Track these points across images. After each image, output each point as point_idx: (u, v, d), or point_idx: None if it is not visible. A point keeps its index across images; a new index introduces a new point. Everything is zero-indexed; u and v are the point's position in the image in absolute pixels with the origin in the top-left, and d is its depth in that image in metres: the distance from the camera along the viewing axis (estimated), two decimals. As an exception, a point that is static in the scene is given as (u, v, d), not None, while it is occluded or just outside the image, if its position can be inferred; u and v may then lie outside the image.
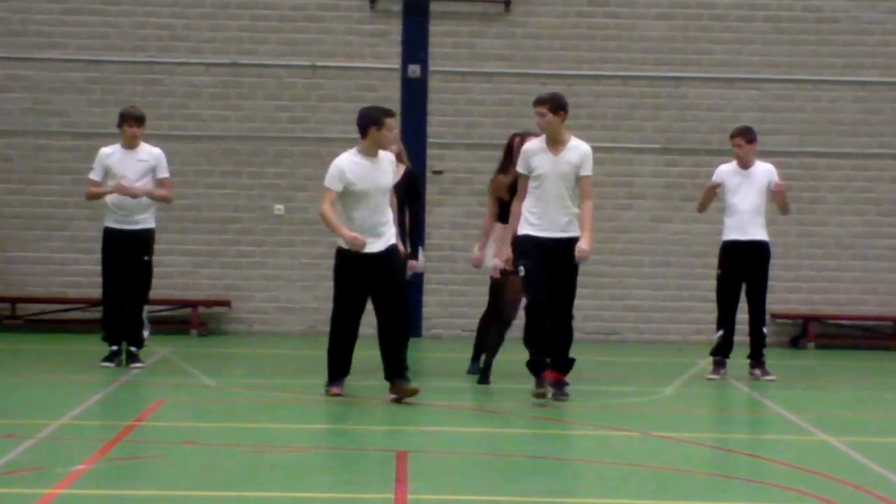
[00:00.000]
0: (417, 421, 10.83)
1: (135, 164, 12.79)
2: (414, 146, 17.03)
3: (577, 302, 17.07)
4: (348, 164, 11.16)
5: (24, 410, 10.69)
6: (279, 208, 16.87)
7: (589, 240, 11.28)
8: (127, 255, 12.74)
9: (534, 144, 11.41)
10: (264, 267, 16.99)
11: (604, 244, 16.69)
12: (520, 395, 11.76)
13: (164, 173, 12.88)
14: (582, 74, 17.01)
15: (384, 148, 11.31)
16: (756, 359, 13.21)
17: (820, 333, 16.88)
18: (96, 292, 16.84)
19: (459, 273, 16.68)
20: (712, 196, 13.34)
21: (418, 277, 16.49)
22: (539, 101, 11.40)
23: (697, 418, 11.22)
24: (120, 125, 12.92)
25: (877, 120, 17.11)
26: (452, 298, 16.87)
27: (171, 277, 16.75)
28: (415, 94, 16.94)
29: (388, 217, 11.28)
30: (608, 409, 11.20)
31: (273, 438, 9.72)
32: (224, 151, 17.02)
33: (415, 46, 16.97)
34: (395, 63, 16.99)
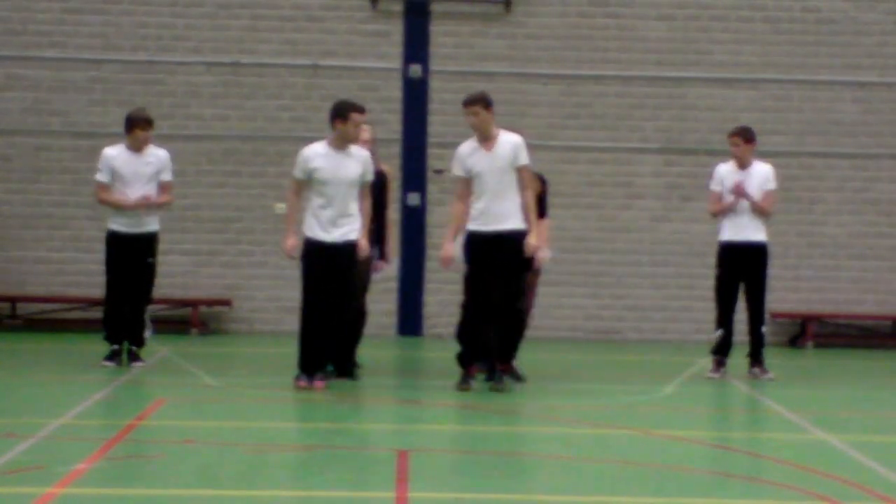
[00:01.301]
0: (418, 420, 10.84)
1: (142, 167, 12.65)
2: (414, 145, 17.07)
3: (577, 301, 17.19)
4: (313, 153, 11.54)
5: (24, 409, 10.69)
6: (280, 207, 16.87)
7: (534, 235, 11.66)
8: (132, 257, 12.65)
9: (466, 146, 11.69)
10: (265, 266, 17.00)
11: (604, 244, 16.74)
12: (520, 394, 11.77)
13: (167, 176, 12.75)
14: (582, 75, 17.03)
15: (348, 141, 11.51)
16: (755, 358, 13.17)
17: (818, 333, 16.90)
18: (96, 291, 16.88)
19: (460, 272, 16.68)
20: (733, 207, 13.08)
21: (415, 277, 16.54)
22: (470, 102, 11.63)
23: (697, 417, 11.23)
24: (130, 129, 12.66)
25: (875, 120, 17.13)
26: (453, 297, 16.87)
27: (171, 277, 16.76)
28: (415, 94, 16.96)
29: (352, 211, 11.46)
30: (608, 407, 11.22)
31: (274, 437, 9.74)
32: (225, 151, 17.03)
33: (416, 46, 16.99)
34: (396, 63, 17.01)
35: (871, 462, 9.01)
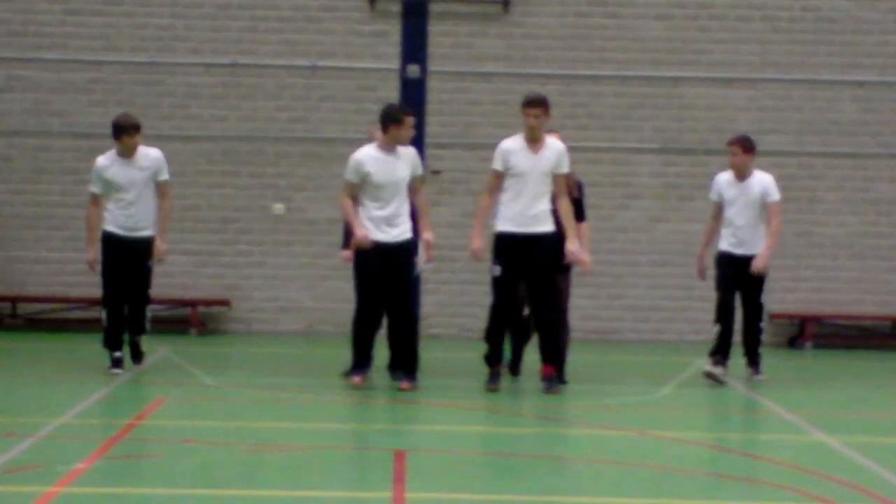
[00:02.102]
0: (416, 420, 10.85)
1: (136, 173, 12.34)
2: (413, 146, 17.04)
3: (576, 302, 17.14)
4: (366, 157, 11.73)
5: (24, 409, 10.70)
6: (279, 208, 16.90)
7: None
8: (130, 261, 12.38)
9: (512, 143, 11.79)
10: (263, 266, 17.01)
11: (602, 244, 16.74)
12: (518, 395, 11.78)
13: (164, 175, 12.45)
14: (580, 75, 17.04)
15: (401, 144, 11.81)
16: (751, 358, 13.01)
17: (817, 333, 16.90)
18: (96, 291, 16.83)
19: (458, 273, 16.71)
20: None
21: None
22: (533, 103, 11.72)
23: (695, 418, 11.24)
24: (117, 136, 12.35)
25: (875, 120, 17.13)
26: (451, 298, 16.90)
27: (170, 277, 16.76)
28: (413, 95, 16.93)
29: (404, 210, 11.70)
30: (606, 408, 11.22)
31: (272, 437, 9.74)
32: (224, 151, 17.04)
33: (413, 47, 16.97)
34: (394, 63, 17.00)
35: (870, 463, 9.02)
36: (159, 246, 12.43)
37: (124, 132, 12.31)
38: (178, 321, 16.69)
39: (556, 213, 11.72)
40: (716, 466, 9.00)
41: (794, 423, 10.80)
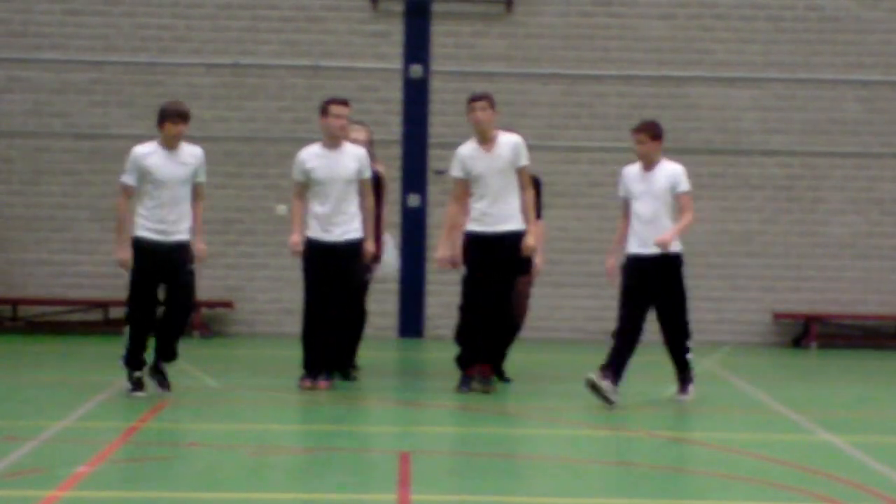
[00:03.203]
0: (420, 422, 10.82)
1: (178, 168, 11.11)
2: (415, 146, 17.04)
3: (579, 302, 17.15)
4: (308, 154, 11.68)
5: (26, 412, 10.67)
6: (281, 209, 16.86)
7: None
8: (167, 269, 11.09)
9: None
10: (266, 268, 16.98)
11: (605, 244, 16.66)
12: (522, 396, 11.74)
13: (203, 177, 11.28)
14: (583, 74, 17.00)
15: (332, 135, 11.60)
16: (682, 382, 11.66)
17: (822, 333, 16.86)
18: (97, 293, 16.89)
19: (461, 274, 16.66)
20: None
21: (416, 278, 16.51)
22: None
23: (699, 418, 11.20)
24: (161, 122, 11.12)
25: (879, 119, 17.10)
26: (455, 299, 16.83)
27: (172, 278, 16.74)
28: (416, 95, 16.94)
29: (350, 209, 11.54)
30: (610, 409, 11.18)
31: (276, 439, 9.72)
32: (226, 152, 17.01)
33: (416, 47, 16.97)
34: (397, 63, 16.99)
35: (876, 463, 8.99)
36: (198, 246, 11.26)
37: (168, 118, 11.11)
38: (180, 323, 16.64)
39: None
40: (720, 467, 8.96)
41: (799, 422, 10.77)
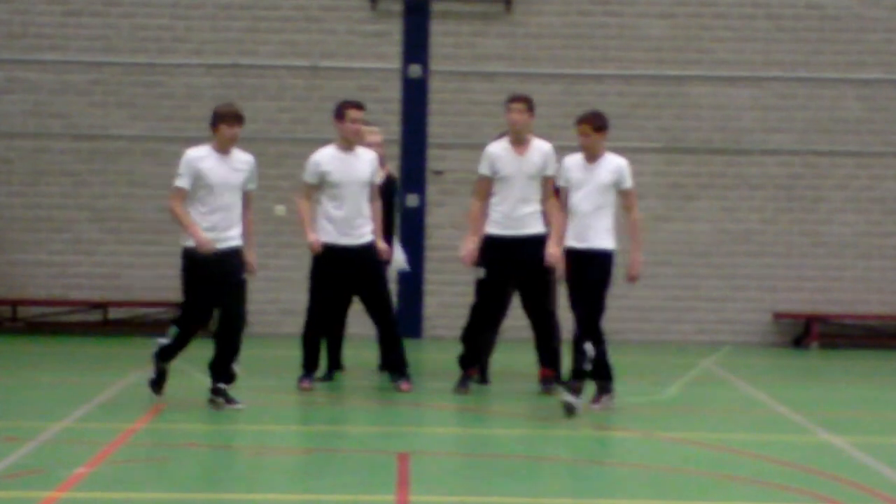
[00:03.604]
0: (419, 422, 10.80)
1: (231, 173, 10.68)
2: (414, 146, 17.02)
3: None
4: (323, 156, 11.66)
5: (25, 413, 10.66)
6: (280, 209, 16.84)
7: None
8: (220, 274, 10.64)
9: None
10: (265, 268, 16.93)
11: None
12: (521, 397, 11.72)
13: (253, 184, 10.85)
14: (583, 74, 16.98)
15: (348, 139, 11.63)
16: (576, 379, 10.86)
17: (823, 333, 16.84)
18: (97, 294, 16.87)
19: (460, 274, 16.64)
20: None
21: (415, 278, 16.48)
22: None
23: (700, 419, 11.18)
24: (216, 125, 10.72)
25: (880, 118, 17.07)
26: (453, 299, 16.83)
27: (172, 279, 16.69)
28: (415, 95, 16.92)
29: (365, 212, 11.60)
30: (610, 409, 11.16)
31: (274, 440, 9.70)
32: (225, 153, 16.97)
33: (415, 46, 16.95)
34: (396, 63, 16.97)
35: (878, 464, 8.97)
36: (250, 258, 10.84)
37: (222, 120, 10.69)
38: (179, 323, 16.63)
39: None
40: (722, 467, 8.94)
41: (800, 423, 10.75)
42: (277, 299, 16.88)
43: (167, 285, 16.61)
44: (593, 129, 10.96)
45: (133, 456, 8.87)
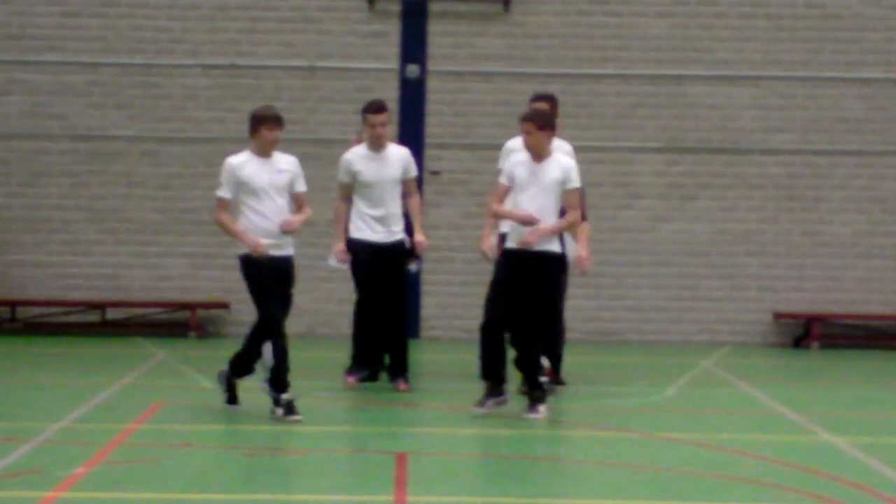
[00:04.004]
0: (417, 423, 10.78)
1: (274, 175, 10.39)
2: (412, 147, 16.95)
3: (577, 303, 17.07)
4: (354, 156, 11.81)
5: (23, 413, 10.66)
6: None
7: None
8: (281, 281, 10.40)
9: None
10: (264, 269, 16.92)
11: (603, 244, 16.65)
12: (519, 397, 11.69)
13: (302, 186, 10.52)
14: (582, 73, 16.95)
15: (373, 141, 11.76)
16: (528, 385, 10.72)
17: (824, 333, 16.80)
18: (95, 295, 16.84)
19: (457, 274, 16.62)
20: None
21: (415, 278, 16.45)
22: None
23: (700, 419, 11.16)
24: (255, 129, 10.54)
25: (880, 117, 17.05)
26: (451, 300, 16.81)
27: (170, 280, 16.70)
28: (413, 95, 16.89)
29: (396, 210, 11.74)
30: (609, 410, 11.14)
31: (271, 441, 9.67)
32: (223, 154, 16.71)
33: (413, 47, 16.92)
34: (394, 64, 16.94)
35: (879, 464, 8.94)
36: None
37: (262, 124, 10.47)
38: (176, 324, 16.62)
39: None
40: (722, 468, 8.92)
41: (800, 423, 10.72)
42: (276, 300, 16.85)
43: (163, 285, 16.59)
44: (537, 127, 10.56)
45: (131, 456, 8.86)
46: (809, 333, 16.80)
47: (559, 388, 11.78)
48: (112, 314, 16.76)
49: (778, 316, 16.79)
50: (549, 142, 10.63)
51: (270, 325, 10.30)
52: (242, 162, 10.43)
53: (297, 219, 10.37)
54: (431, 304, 16.78)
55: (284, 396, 10.20)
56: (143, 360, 13.50)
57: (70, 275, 16.81)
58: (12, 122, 16.87)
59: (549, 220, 10.44)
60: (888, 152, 17.09)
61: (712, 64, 16.99)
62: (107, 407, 10.94)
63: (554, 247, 10.53)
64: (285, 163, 10.49)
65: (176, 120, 16.88)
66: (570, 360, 12.37)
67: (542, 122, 10.60)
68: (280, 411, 10.16)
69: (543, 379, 10.64)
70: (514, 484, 8.26)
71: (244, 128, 16.87)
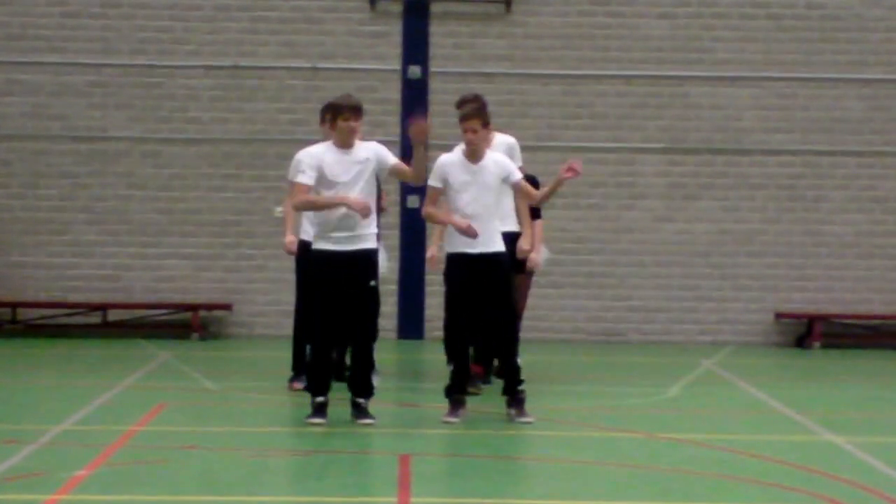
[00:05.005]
0: (420, 424, 10.77)
1: (352, 166, 9.90)
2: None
3: (580, 303, 17.09)
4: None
5: (25, 415, 10.65)
6: (280, 211, 16.79)
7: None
8: (348, 281, 9.93)
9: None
10: (265, 270, 16.93)
11: (606, 244, 16.66)
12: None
13: (391, 159, 10.04)
14: (583, 74, 16.96)
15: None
16: (511, 395, 10.48)
17: (825, 333, 16.80)
18: (96, 296, 16.84)
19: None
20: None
21: (416, 279, 16.46)
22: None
23: (702, 419, 11.16)
24: (332, 118, 10.08)
25: (881, 117, 17.05)
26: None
27: (172, 281, 16.71)
28: (415, 95, 16.89)
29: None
30: (612, 410, 11.14)
31: (275, 442, 9.67)
32: (224, 154, 16.97)
33: (415, 47, 16.92)
34: (396, 64, 16.95)
35: (880, 464, 8.94)
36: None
37: (339, 113, 9.92)
38: (179, 325, 16.62)
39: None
40: (725, 468, 8.92)
41: (802, 423, 10.72)
42: (277, 301, 16.84)
43: (166, 286, 16.60)
44: (482, 124, 10.18)
45: (132, 458, 8.85)
46: (811, 333, 16.80)
47: (485, 387, 11.72)
48: (113, 315, 16.77)
49: (779, 316, 16.80)
50: (489, 140, 10.36)
51: (315, 330, 10.05)
52: (322, 151, 9.95)
53: (367, 203, 9.81)
54: (435, 305, 16.77)
55: (318, 399, 10.08)
56: (145, 362, 13.50)
57: (71, 276, 16.82)
58: (13, 123, 16.88)
59: (493, 219, 10.18)
60: (889, 152, 17.09)
61: (714, 64, 16.99)
62: (109, 409, 10.93)
63: (498, 247, 10.22)
64: (366, 151, 9.97)
65: (177, 121, 16.89)
66: (572, 360, 12.38)
67: (485, 120, 10.24)
68: (312, 415, 10.11)
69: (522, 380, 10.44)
70: (517, 485, 8.26)
71: (247, 128, 17.02)
